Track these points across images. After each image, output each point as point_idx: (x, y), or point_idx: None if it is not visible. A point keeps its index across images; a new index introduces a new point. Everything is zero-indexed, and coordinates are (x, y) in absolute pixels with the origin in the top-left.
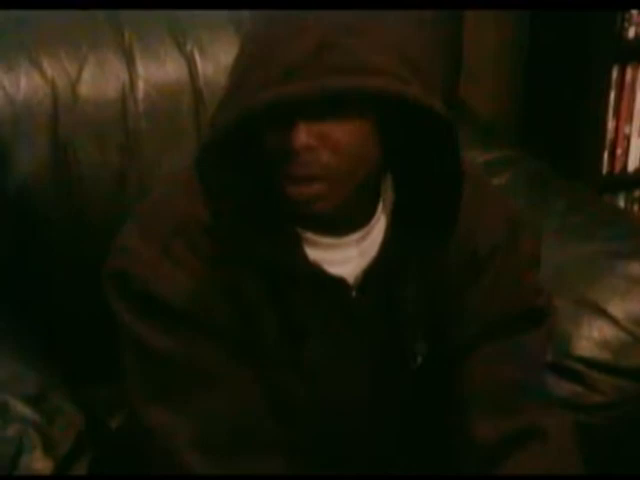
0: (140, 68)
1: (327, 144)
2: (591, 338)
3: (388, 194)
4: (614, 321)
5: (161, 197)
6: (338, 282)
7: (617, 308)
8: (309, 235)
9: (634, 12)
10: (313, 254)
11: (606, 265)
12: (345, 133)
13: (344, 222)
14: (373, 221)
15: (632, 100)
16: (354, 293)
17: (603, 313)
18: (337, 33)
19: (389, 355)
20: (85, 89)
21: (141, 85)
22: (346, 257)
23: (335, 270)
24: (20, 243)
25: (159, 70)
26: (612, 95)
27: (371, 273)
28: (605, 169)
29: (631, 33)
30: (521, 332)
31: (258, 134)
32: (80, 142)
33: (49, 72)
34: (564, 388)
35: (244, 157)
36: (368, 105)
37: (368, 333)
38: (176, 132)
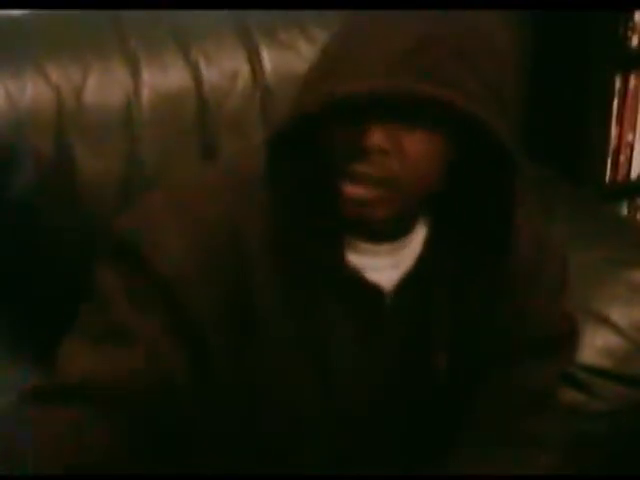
0: (145, 75)
1: (399, 150)
2: (594, 346)
3: (430, 207)
4: (617, 329)
5: (198, 189)
6: (374, 288)
7: (620, 316)
8: (350, 240)
9: (637, 20)
10: (352, 259)
11: (609, 273)
12: (418, 143)
13: (386, 230)
14: (413, 232)
15: (635, 108)
16: (389, 301)
17: (606, 321)
18: (432, 37)
19: (411, 364)
20: (90, 96)
21: (146, 92)
22: (383, 265)
23: (371, 277)
24: (22, 249)
25: (164, 77)
26: (615, 103)
27: (406, 282)
28: (608, 177)
29: (634, 41)
30: (536, 359)
31: (324, 129)
32: (84, 149)
33: (54, 79)
34: (567, 396)
35: (301, 153)
36: (444, 121)
37: (395, 341)
38: (181, 139)
